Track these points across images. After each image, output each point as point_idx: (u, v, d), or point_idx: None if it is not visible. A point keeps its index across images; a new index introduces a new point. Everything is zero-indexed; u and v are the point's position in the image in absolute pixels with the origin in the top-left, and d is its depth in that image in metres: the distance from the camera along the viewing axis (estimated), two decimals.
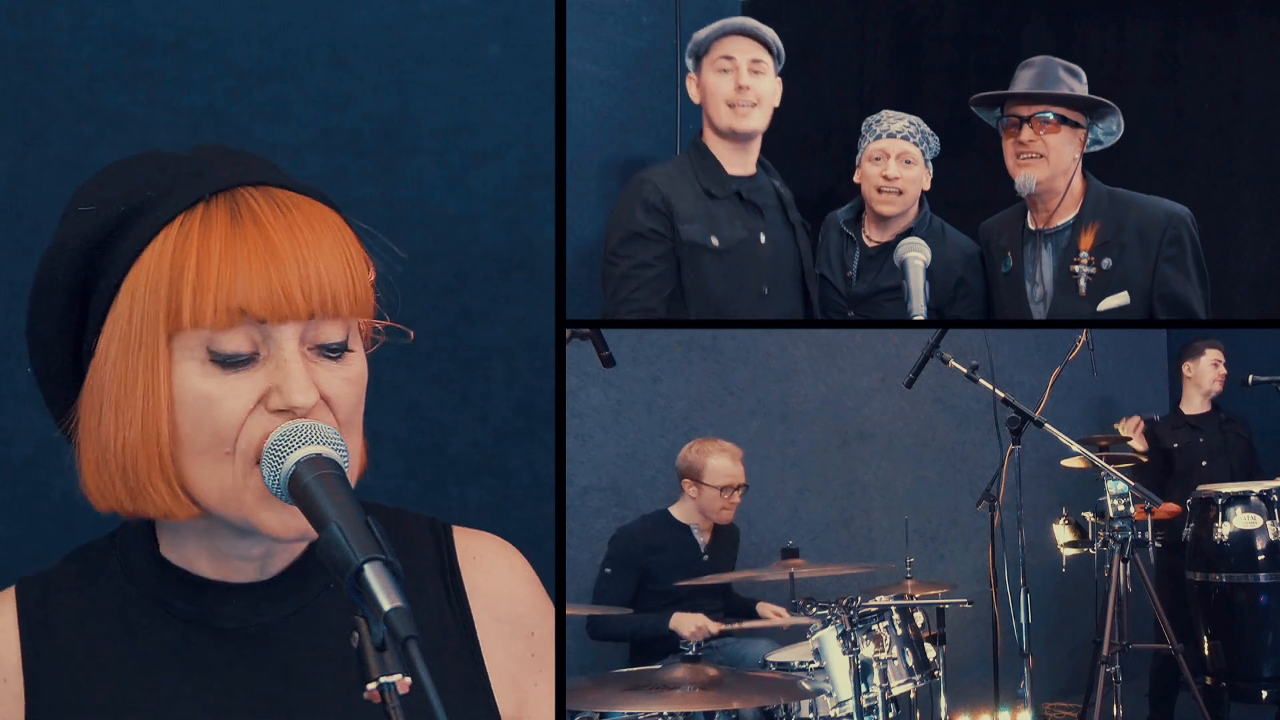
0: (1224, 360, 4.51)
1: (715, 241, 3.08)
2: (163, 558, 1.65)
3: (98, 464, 1.56)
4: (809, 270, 3.24)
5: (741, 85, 3.12)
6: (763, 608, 3.89)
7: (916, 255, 2.94)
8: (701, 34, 3.17)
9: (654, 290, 3.06)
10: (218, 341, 1.51)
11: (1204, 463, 4.39)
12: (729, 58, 3.13)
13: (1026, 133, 2.99)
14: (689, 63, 3.21)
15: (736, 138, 3.16)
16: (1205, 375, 4.50)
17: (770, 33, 3.16)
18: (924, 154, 3.23)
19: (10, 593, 1.66)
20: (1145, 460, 4.36)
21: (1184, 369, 4.55)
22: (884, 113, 3.26)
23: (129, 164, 1.62)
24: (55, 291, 1.57)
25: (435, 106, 2.67)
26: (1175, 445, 4.45)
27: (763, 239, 3.14)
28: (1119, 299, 2.96)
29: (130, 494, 1.56)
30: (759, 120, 3.16)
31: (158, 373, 1.52)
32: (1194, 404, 4.53)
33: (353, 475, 1.56)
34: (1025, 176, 3.00)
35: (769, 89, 3.16)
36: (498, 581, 1.75)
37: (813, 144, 3.66)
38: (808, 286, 3.23)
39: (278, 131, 2.62)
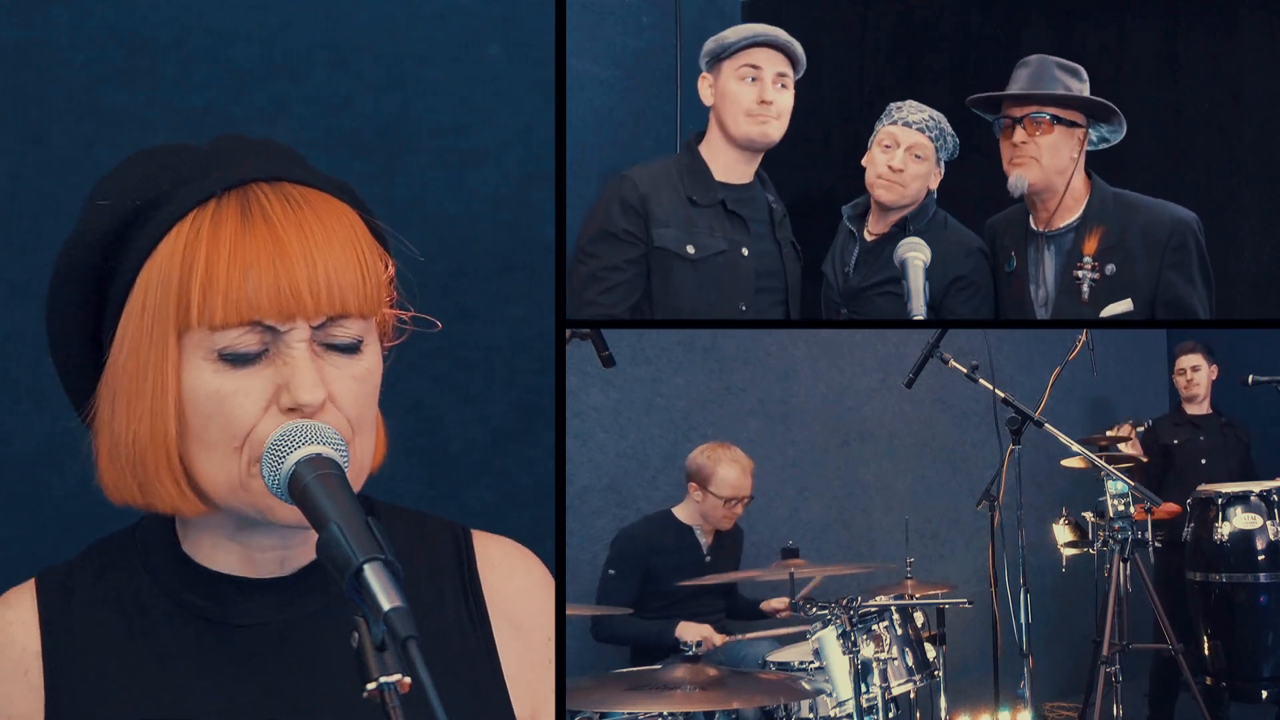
0: (1201, 366, 4.49)
1: (691, 250, 2.98)
2: (183, 553, 1.65)
3: (110, 456, 1.58)
4: (794, 289, 3.13)
5: (766, 99, 3.03)
6: (766, 604, 3.90)
7: (916, 255, 2.90)
8: (730, 36, 3.06)
9: (621, 295, 2.97)
10: (226, 340, 1.51)
11: (1203, 460, 4.40)
12: (755, 67, 3.04)
13: (1020, 134, 2.96)
14: (703, 62, 3.11)
15: (753, 147, 3.07)
16: (1178, 382, 4.53)
17: (799, 48, 3.07)
18: (938, 151, 3.11)
19: (30, 585, 1.67)
20: (1145, 460, 4.37)
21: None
22: (908, 102, 3.16)
23: (147, 156, 1.62)
24: (72, 283, 1.59)
25: (435, 106, 2.67)
26: (1175, 442, 4.46)
27: (745, 253, 3.03)
28: (1122, 305, 2.93)
29: (140, 488, 1.57)
30: (777, 133, 3.07)
31: (166, 370, 1.52)
32: (1196, 404, 4.55)
33: (372, 468, 1.56)
34: (1017, 177, 2.96)
35: (789, 103, 3.08)
36: (516, 587, 1.76)
37: (813, 144, 3.65)
38: (790, 307, 3.12)
39: (278, 131, 2.61)
